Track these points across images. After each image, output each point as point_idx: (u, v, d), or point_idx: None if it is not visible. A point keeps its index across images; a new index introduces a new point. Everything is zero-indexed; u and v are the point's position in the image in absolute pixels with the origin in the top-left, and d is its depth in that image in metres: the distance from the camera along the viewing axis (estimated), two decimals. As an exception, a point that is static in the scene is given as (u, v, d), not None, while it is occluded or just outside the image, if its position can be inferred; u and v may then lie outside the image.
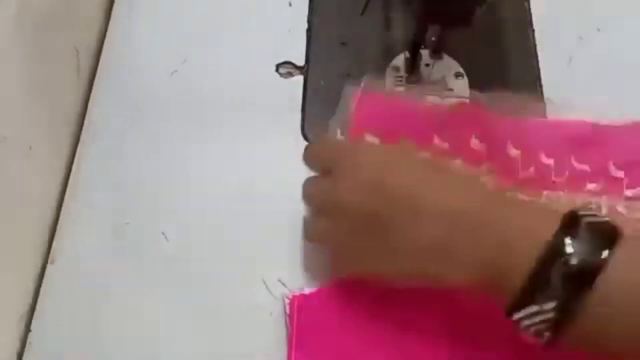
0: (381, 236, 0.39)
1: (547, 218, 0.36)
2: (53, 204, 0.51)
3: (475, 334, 0.44)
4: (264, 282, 0.47)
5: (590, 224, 0.35)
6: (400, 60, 0.56)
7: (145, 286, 0.47)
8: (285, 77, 0.56)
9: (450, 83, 0.55)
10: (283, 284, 0.47)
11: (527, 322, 0.36)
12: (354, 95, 0.53)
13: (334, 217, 0.42)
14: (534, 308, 0.35)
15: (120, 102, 0.55)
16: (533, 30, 0.59)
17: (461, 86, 0.55)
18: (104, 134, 0.54)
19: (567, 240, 0.35)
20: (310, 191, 0.45)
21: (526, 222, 0.37)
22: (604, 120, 0.52)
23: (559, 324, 0.35)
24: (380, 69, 0.56)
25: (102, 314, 0.47)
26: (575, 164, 0.50)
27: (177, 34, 0.58)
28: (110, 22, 0.59)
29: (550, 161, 0.50)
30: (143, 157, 0.53)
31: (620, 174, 0.49)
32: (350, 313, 0.45)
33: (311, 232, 0.46)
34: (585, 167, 0.50)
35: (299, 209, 0.50)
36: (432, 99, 0.54)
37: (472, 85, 0.55)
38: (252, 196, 0.51)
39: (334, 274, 0.46)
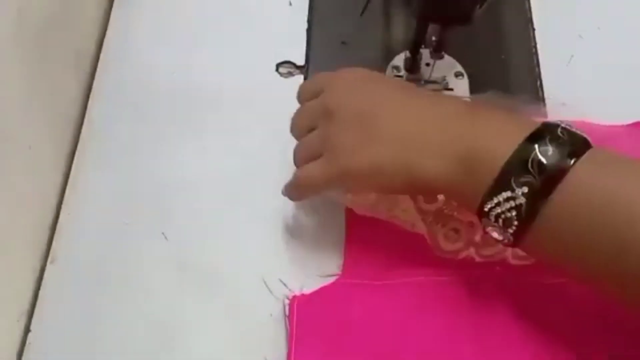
0: (368, 130, 0.42)
1: (523, 123, 0.39)
2: (53, 203, 0.51)
3: (478, 334, 0.44)
4: (265, 282, 0.47)
5: (566, 130, 0.38)
6: (400, 60, 0.56)
7: (144, 286, 0.47)
8: (285, 77, 0.56)
9: (451, 83, 0.55)
10: (284, 284, 0.47)
11: (498, 210, 0.38)
12: None
13: (323, 123, 0.44)
14: (507, 193, 0.37)
15: (120, 102, 0.55)
16: (533, 30, 0.59)
17: (461, 86, 0.55)
18: (103, 133, 0.54)
19: (544, 141, 0.37)
20: (298, 113, 0.47)
21: (502, 124, 0.40)
22: (604, 121, 0.52)
23: (528, 212, 0.37)
24: (380, 69, 0.56)
25: (102, 314, 0.46)
26: None
27: (177, 34, 0.59)
28: (110, 22, 0.59)
29: None
30: (143, 157, 0.53)
31: None
32: (351, 313, 0.45)
33: (301, 148, 0.46)
34: None
35: (300, 209, 0.50)
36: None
37: (473, 84, 0.55)
38: (252, 196, 0.51)
39: (327, 183, 0.44)
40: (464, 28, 0.47)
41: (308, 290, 0.46)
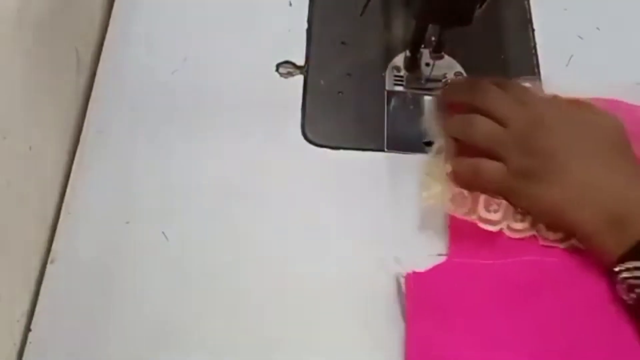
0: (556, 169, 0.46)
1: None
2: (53, 203, 0.51)
3: (590, 315, 0.45)
4: (264, 282, 0.47)
5: None
6: (400, 60, 0.56)
7: (145, 286, 0.47)
8: (285, 77, 0.56)
9: (451, 83, 0.55)
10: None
11: (625, 275, 0.42)
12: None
13: (520, 134, 0.47)
14: (636, 263, 0.42)
15: (120, 101, 0.55)
16: (533, 30, 0.59)
17: (461, 86, 0.55)
18: (104, 133, 0.54)
19: None
20: (495, 93, 0.50)
21: None
22: None
23: None
24: (380, 69, 0.56)
25: (102, 313, 0.46)
26: None
27: (177, 33, 0.58)
28: (111, 22, 0.59)
29: None
30: (143, 156, 0.52)
31: None
32: (464, 292, 0.46)
33: (484, 130, 0.48)
34: None
35: (299, 208, 0.50)
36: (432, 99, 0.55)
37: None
38: (252, 196, 0.51)
39: (491, 188, 0.48)
40: (464, 28, 0.47)
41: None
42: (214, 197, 0.51)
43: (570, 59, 0.57)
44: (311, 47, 0.58)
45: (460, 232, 0.48)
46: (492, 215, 0.48)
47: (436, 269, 0.47)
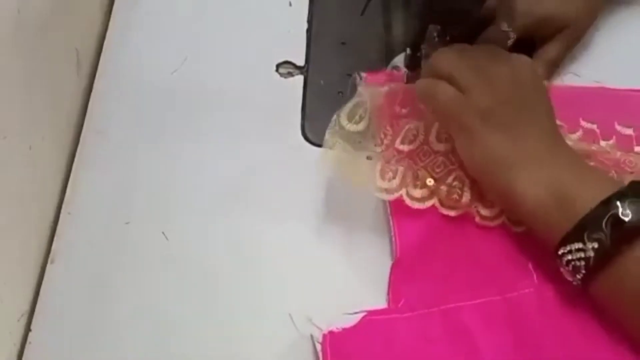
0: (515, 123, 0.44)
1: (613, 183, 0.43)
2: (53, 203, 0.51)
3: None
4: (264, 282, 0.47)
5: None
6: (400, 60, 0.56)
7: (145, 286, 0.47)
8: (285, 77, 0.57)
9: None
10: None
11: (569, 257, 0.41)
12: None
13: (485, 74, 0.45)
14: (578, 245, 0.40)
15: (120, 101, 0.55)
16: (533, 30, 0.59)
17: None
18: (104, 133, 0.54)
19: (624, 201, 0.39)
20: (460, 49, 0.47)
21: (600, 181, 0.43)
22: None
23: (595, 264, 0.40)
24: (380, 69, 0.56)
25: (102, 313, 0.47)
26: (583, 124, 0.51)
27: (177, 33, 0.59)
28: (111, 22, 0.59)
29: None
30: (143, 156, 0.53)
31: (629, 131, 0.51)
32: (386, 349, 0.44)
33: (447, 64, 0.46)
34: (594, 127, 0.51)
35: (298, 208, 0.50)
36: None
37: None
38: (251, 196, 0.51)
39: (443, 113, 0.46)
40: (464, 28, 0.47)
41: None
42: (213, 197, 0.51)
43: (569, 59, 0.57)
44: (311, 47, 0.58)
45: (401, 215, 0.47)
46: (388, 184, 0.47)
47: (357, 327, 0.44)
